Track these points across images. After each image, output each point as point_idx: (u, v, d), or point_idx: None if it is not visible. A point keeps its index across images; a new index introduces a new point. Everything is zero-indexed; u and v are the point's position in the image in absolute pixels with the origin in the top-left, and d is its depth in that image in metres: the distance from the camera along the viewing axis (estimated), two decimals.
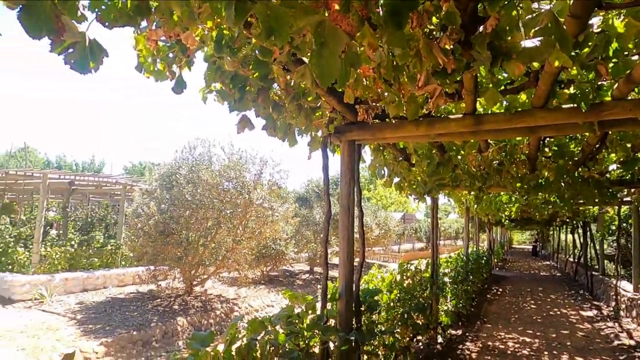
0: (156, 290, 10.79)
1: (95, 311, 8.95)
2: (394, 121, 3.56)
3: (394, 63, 1.92)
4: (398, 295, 5.60)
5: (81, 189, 15.63)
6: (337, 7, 1.07)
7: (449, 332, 7.00)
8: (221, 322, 9.71)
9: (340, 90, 2.84)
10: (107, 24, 1.64)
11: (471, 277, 10.19)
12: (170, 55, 2.38)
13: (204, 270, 10.51)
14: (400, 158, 5.17)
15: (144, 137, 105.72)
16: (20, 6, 1.33)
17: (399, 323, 5.33)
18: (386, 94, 2.76)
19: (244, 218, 10.17)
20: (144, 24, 1.98)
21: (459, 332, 7.17)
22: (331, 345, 3.46)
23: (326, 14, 1.11)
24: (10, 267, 10.52)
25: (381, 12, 1.38)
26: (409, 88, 2.35)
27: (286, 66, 2.43)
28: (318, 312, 3.54)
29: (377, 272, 6.00)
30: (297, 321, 3.16)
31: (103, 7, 1.62)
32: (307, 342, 3.15)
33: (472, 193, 7.83)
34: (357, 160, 3.94)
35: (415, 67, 1.72)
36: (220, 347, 2.40)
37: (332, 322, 3.74)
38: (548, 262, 25.98)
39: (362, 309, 4.08)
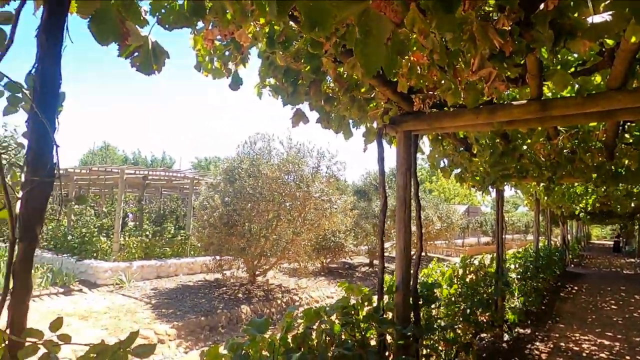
0: (222, 279, 11.34)
1: (168, 297, 9.60)
2: (452, 110, 3.44)
3: (447, 49, 1.84)
4: (459, 290, 5.43)
5: (154, 183, 16.79)
6: None
7: (516, 330, 6.66)
8: (282, 311, 10.00)
9: (394, 79, 2.79)
10: (167, 26, 1.74)
11: (541, 273, 9.60)
12: (226, 53, 2.47)
13: (265, 261, 10.87)
14: (461, 148, 4.97)
15: (195, 134, 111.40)
16: (90, 15, 1.45)
17: (461, 319, 5.16)
18: (442, 81, 2.67)
19: (302, 210, 10.35)
20: (200, 24, 2.08)
21: (528, 331, 6.79)
22: (388, 338, 3.44)
23: (370, 2, 1.10)
24: (94, 254, 11.58)
25: None
26: (465, 74, 2.26)
27: (337, 58, 2.43)
28: (374, 305, 3.53)
29: (437, 266, 5.85)
30: (352, 312, 3.17)
31: (163, 10, 1.72)
32: (363, 333, 3.16)
33: (542, 184, 7.36)
34: (413, 151, 3.86)
35: (469, 51, 1.64)
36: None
37: (389, 314, 3.72)
38: (632, 260, 23.71)
39: (420, 302, 4.01)
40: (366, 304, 3.48)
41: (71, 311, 7.97)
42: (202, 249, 11.62)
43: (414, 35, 1.94)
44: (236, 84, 2.40)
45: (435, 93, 3.14)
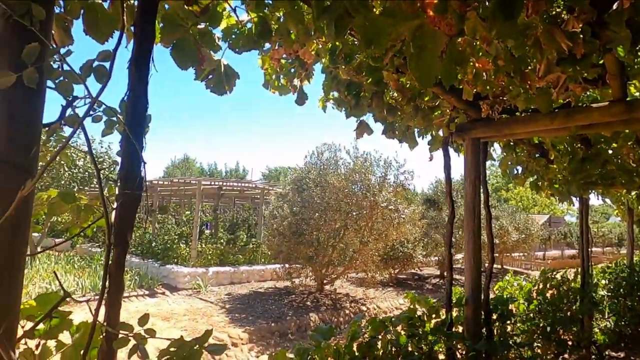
0: (291, 286, 11.61)
1: (240, 302, 10.03)
2: (523, 115, 3.28)
3: (512, 54, 1.80)
4: (539, 306, 5.08)
5: (228, 193, 17.70)
6: (431, 13, 1.08)
7: (606, 353, 6.06)
8: (350, 320, 9.99)
9: (459, 87, 2.75)
10: (237, 50, 1.89)
11: (639, 291, 8.62)
12: (292, 70, 2.60)
13: (333, 270, 10.96)
14: (537, 154, 4.69)
15: (267, 145, 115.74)
16: (172, 44, 1.63)
17: (540, 337, 4.83)
18: (511, 87, 2.57)
19: (370, 220, 10.32)
20: (267, 45, 2.21)
21: (621, 354, 6.16)
22: (457, 353, 3.33)
23: (424, 18, 1.13)
24: (175, 260, 12.45)
25: (487, 4, 1.33)
26: (534, 79, 2.17)
27: (399, 69, 2.45)
28: (443, 317, 3.44)
29: (513, 279, 5.54)
30: (419, 324, 3.12)
31: (233, 35, 1.87)
32: (430, 346, 3.09)
33: (634, 192, 6.68)
34: (482, 158, 3.73)
35: (535, 56, 1.59)
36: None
37: (459, 328, 3.60)
38: None
39: (494, 317, 3.83)
40: (434, 316, 3.40)
41: (155, 312, 8.63)
42: (272, 257, 12.01)
43: (477, 42, 1.92)
44: (302, 99, 2.52)
45: (504, 98, 3.03)
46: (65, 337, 1.40)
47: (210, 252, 12.57)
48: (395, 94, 3.03)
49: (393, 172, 10.87)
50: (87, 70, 1.09)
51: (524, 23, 1.50)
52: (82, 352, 1.39)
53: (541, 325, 4.79)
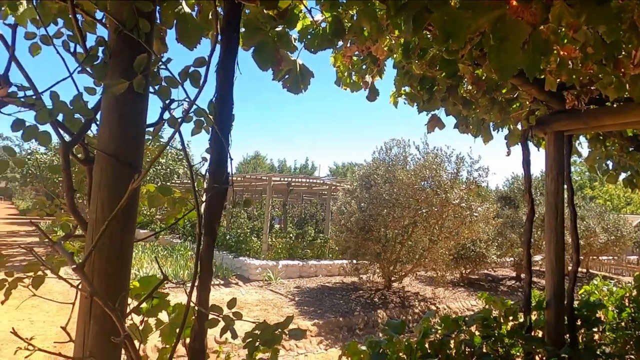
0: (358, 282, 11.65)
1: (309, 295, 10.27)
2: (615, 105, 3.02)
3: (603, 40, 1.67)
4: (633, 314, 4.64)
5: (296, 189, 18.14)
6: (514, 2, 1.05)
7: None
8: (419, 319, 9.81)
9: (541, 77, 2.60)
10: (312, 49, 1.96)
11: None
12: (363, 67, 2.63)
13: (401, 268, 10.82)
14: (630, 148, 4.28)
15: (334, 141, 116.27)
16: (253, 47, 1.74)
17: (634, 349, 4.41)
18: (600, 75, 2.38)
19: (440, 218, 10.03)
20: (340, 43, 2.26)
21: None
22: (537, 358, 3.16)
23: (506, 8, 1.10)
24: (247, 252, 13.03)
25: None
26: (630, 65, 1.99)
27: (476, 61, 2.38)
28: (520, 321, 3.28)
29: (602, 284, 5.11)
30: (494, 325, 3.01)
31: (309, 36, 1.94)
32: (506, 349, 2.97)
33: None
34: (567, 153, 3.49)
35: (631, 42, 1.47)
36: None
37: (538, 333, 3.41)
38: None
39: (578, 323, 3.57)
40: (510, 318, 3.26)
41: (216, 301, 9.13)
42: (340, 252, 12.12)
43: (562, 29, 1.81)
44: (373, 95, 2.53)
45: (592, 88, 2.81)
46: (163, 316, 1.57)
47: (280, 246, 12.98)
48: (470, 87, 2.93)
49: (466, 168, 10.46)
50: (185, 75, 1.21)
51: (618, 6, 1.39)
52: (177, 330, 1.55)
53: (635, 335, 4.37)
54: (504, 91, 2.83)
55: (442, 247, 10.15)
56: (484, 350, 2.86)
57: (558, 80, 2.53)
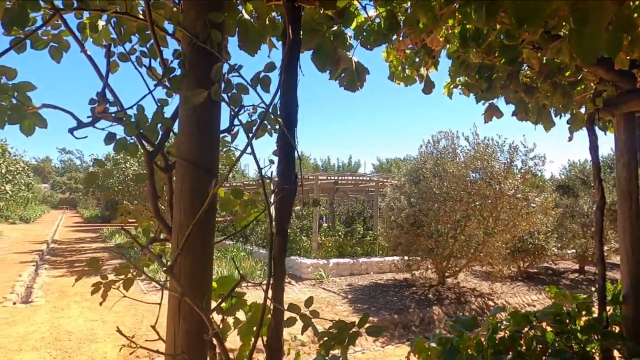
0: (411, 279, 11.48)
1: (362, 293, 10.25)
2: None
3: None
4: None
5: (342, 187, 18.14)
6: None
7: None
8: (476, 315, 9.51)
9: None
10: (368, 46, 1.95)
11: None
12: (416, 60, 2.58)
13: (455, 263, 10.54)
14: None
15: (377, 136, 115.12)
16: (312, 50, 1.76)
17: None
18: None
19: (494, 210, 9.67)
20: (393, 37, 2.23)
21: None
22: (616, 354, 2.98)
23: None
24: (298, 252, 13.21)
25: None
26: None
27: (536, 44, 2.27)
28: (594, 315, 3.10)
29: None
30: (567, 321, 2.86)
31: (364, 33, 1.94)
32: (581, 345, 2.82)
33: None
34: (639, 136, 3.25)
35: None
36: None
37: (615, 328, 3.21)
38: None
39: None
40: (583, 313, 3.09)
41: (285, 299, 9.29)
42: (390, 249, 12.00)
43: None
44: (429, 87, 2.49)
45: None
46: (240, 314, 1.63)
47: (330, 244, 13.05)
48: (529, 72, 2.81)
49: (520, 157, 10.01)
50: (256, 81, 1.25)
51: None
52: (254, 328, 1.60)
53: None
54: (567, 74, 2.68)
55: (498, 241, 9.77)
56: (557, 347, 2.73)
57: (629, 57, 2.37)
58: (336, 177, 15.45)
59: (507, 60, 2.25)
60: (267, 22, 1.89)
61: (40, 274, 11.80)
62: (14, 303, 8.56)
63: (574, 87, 2.96)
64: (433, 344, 2.12)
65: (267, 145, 1.70)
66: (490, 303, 10.14)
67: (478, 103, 2.64)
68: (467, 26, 2.11)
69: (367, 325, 1.40)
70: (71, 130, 1.11)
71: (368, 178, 15.65)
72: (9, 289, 9.66)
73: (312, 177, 14.39)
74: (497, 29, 2.20)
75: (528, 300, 10.81)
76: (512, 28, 1.08)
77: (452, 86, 2.82)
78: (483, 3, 1.08)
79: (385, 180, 14.91)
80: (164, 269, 1.14)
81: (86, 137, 1.15)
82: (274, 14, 1.94)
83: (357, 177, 16.00)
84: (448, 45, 2.57)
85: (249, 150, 1.36)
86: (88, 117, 1.14)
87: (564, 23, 1.39)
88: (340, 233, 13.98)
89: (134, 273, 1.47)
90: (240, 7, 1.74)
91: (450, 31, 2.19)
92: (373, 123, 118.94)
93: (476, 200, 9.65)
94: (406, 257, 10.85)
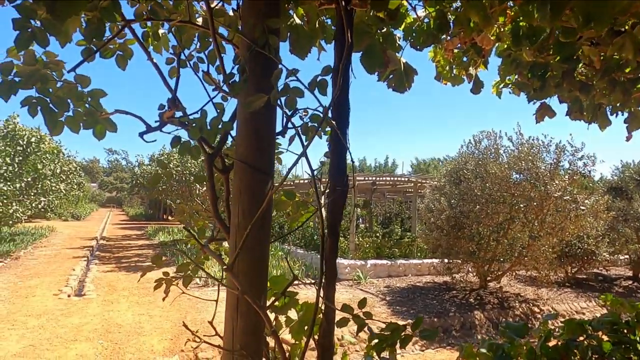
0: (450, 282, 11.23)
1: (400, 295, 10.13)
2: None
3: None
4: None
5: (379, 187, 17.99)
6: None
7: None
8: (520, 321, 9.18)
9: None
10: (417, 47, 1.94)
11: None
12: (464, 59, 2.53)
13: (498, 266, 10.21)
14: None
15: (414, 136, 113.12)
16: (361, 51, 1.77)
17: None
18: None
19: (540, 212, 9.29)
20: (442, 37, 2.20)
21: None
22: None
23: None
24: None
25: None
26: None
27: (595, 40, 2.17)
28: None
29: None
30: (625, 330, 2.71)
31: (414, 34, 1.93)
32: None
33: None
34: None
35: None
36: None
37: None
38: None
39: None
40: None
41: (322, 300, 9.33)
42: (429, 251, 11.79)
43: None
44: (478, 87, 2.43)
45: None
46: (291, 314, 1.65)
47: (367, 245, 12.98)
48: (584, 70, 2.69)
49: (567, 158, 9.56)
50: (314, 85, 1.27)
51: None
52: (305, 327, 1.62)
53: None
54: (627, 70, 2.54)
55: (544, 244, 9.38)
56: (615, 358, 2.59)
57: None
58: (374, 178, 15.35)
59: (562, 58, 2.16)
60: (316, 26, 1.92)
61: (91, 268, 12.45)
62: (69, 296, 9.08)
63: (634, 84, 2.80)
64: (483, 350, 2.07)
65: (315, 147, 1.72)
66: (536, 309, 9.76)
67: (530, 102, 2.55)
68: (521, 24, 2.05)
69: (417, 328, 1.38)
70: (141, 134, 1.18)
71: (406, 179, 15.45)
72: (64, 282, 10.27)
73: (350, 178, 14.37)
74: (554, 26, 2.13)
75: (577, 308, 10.32)
76: (578, 27, 1.04)
77: (501, 85, 2.75)
78: (547, 2, 1.04)
79: (424, 181, 14.66)
80: (225, 267, 1.19)
81: (155, 140, 1.22)
82: (322, 17, 1.97)
83: (395, 178, 15.82)
84: (497, 44, 2.50)
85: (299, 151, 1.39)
86: (156, 121, 1.20)
87: (630, 20, 1.33)
88: (377, 234, 13.87)
89: (192, 270, 1.53)
90: (291, 12, 1.78)
91: (501, 30, 2.14)
92: (410, 123, 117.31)
93: (520, 202, 9.31)
94: (446, 260, 10.62)
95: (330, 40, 2.14)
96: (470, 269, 10.68)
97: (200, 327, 7.06)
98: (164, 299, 1.59)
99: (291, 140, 1.25)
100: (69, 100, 1.24)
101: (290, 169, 1.27)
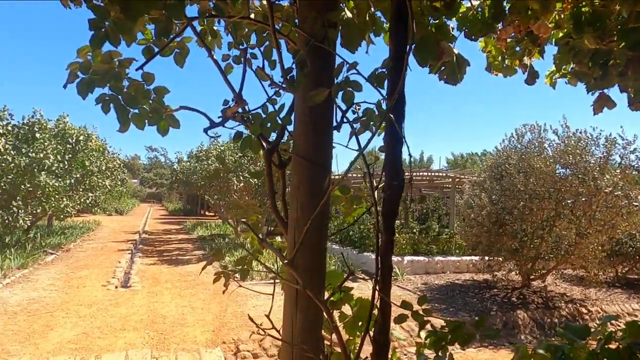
0: (491, 280, 10.93)
1: (438, 292, 9.96)
2: None
3: None
4: None
5: (416, 183, 17.72)
6: None
7: None
8: (566, 322, 8.82)
9: None
10: (472, 37, 1.87)
11: None
12: (517, 49, 2.43)
13: (542, 265, 9.84)
14: None
15: (450, 130, 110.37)
16: (414, 44, 1.72)
17: None
18: None
19: (589, 208, 8.86)
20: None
21: None
22: None
23: None
24: (371, 248, 13.14)
25: None
26: None
27: None
28: None
29: None
30: None
31: (468, 23, 1.86)
32: None
33: None
34: None
35: None
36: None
37: None
38: None
39: None
40: None
41: (358, 295, 9.31)
42: (468, 248, 11.52)
43: None
44: (533, 78, 2.33)
45: None
46: (345, 309, 1.65)
47: (404, 241, 12.83)
48: None
49: (618, 151, 9.06)
50: (374, 78, 1.25)
51: None
52: (360, 323, 1.61)
53: None
54: None
55: (592, 242, 8.95)
56: None
57: None
58: (410, 173, 15.11)
59: (627, 45, 2.03)
60: (367, 19, 1.89)
61: (135, 261, 12.97)
62: (116, 287, 9.50)
63: None
64: (540, 351, 1.99)
65: (363, 141, 1.69)
66: (584, 310, 9.35)
67: (589, 92, 2.42)
68: (583, 9, 1.94)
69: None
70: (205, 130, 1.20)
71: (444, 174, 15.12)
72: (111, 274, 10.76)
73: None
74: (617, 9, 2.01)
75: (628, 310, 9.79)
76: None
77: (555, 75, 2.62)
78: None
79: (463, 176, 14.30)
80: (285, 262, 1.19)
81: (219, 135, 1.24)
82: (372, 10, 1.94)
83: (432, 173, 15.52)
84: (553, 32, 2.39)
85: (352, 145, 1.38)
86: (218, 117, 1.22)
87: None
88: (414, 230, 13.67)
89: (248, 262, 1.55)
90: (342, 5, 1.76)
91: (561, 16, 2.03)
92: (444, 117, 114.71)
93: (567, 198, 8.91)
94: (487, 257, 10.34)
95: (379, 33, 2.11)
96: (512, 267, 10.35)
97: (241, 320, 7.21)
98: (224, 292, 1.62)
99: (351, 134, 1.23)
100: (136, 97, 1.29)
101: (351, 165, 1.26)
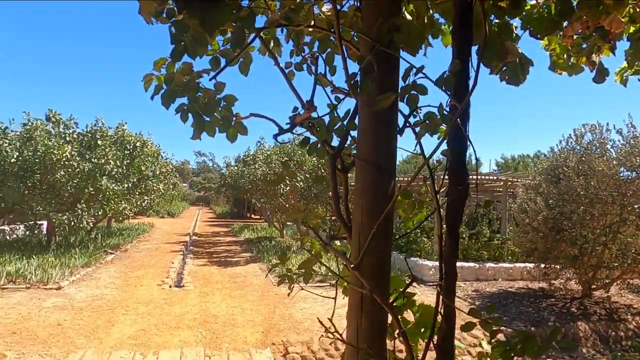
0: (548, 288, 10.39)
1: (491, 300, 9.58)
2: None
3: None
4: None
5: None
6: None
7: None
8: (634, 337, 8.19)
9: None
10: (538, 36, 1.80)
11: None
12: (583, 46, 2.31)
13: (606, 274, 9.22)
14: None
15: (499, 132, 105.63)
16: (478, 45, 1.69)
17: None
18: None
19: None
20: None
21: None
22: None
23: None
24: (418, 253, 12.89)
25: None
26: None
27: None
28: None
29: None
30: None
31: (533, 22, 1.80)
32: None
33: None
34: None
35: None
36: None
37: None
38: None
39: None
40: None
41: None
42: (522, 255, 11.00)
43: None
44: (602, 75, 2.21)
45: None
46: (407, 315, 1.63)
47: None
48: None
49: None
50: (442, 82, 1.24)
51: None
52: (422, 329, 1.59)
53: None
54: None
55: None
56: None
57: None
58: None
59: None
60: (425, 21, 1.87)
61: (187, 262, 13.49)
62: (170, 286, 9.93)
63: None
64: None
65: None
66: None
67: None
68: None
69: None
70: (275, 136, 1.24)
71: (495, 177, 14.57)
72: (165, 274, 11.25)
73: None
74: None
75: None
76: None
77: (627, 73, 2.46)
78: None
79: (516, 179, 13.71)
80: (352, 266, 1.20)
81: (289, 141, 1.28)
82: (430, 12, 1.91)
83: (482, 176, 14.99)
84: (625, 26, 2.24)
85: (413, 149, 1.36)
86: (287, 124, 1.26)
87: None
88: (464, 235, 13.25)
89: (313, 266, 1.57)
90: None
91: (636, 10, 1.91)
92: (491, 118, 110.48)
93: (634, 203, 8.31)
94: (543, 265, 9.83)
95: (437, 35, 2.08)
96: (570, 275, 9.77)
97: (288, 322, 7.30)
98: (288, 295, 1.65)
99: (418, 141, 1.22)
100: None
101: (418, 170, 1.25)
